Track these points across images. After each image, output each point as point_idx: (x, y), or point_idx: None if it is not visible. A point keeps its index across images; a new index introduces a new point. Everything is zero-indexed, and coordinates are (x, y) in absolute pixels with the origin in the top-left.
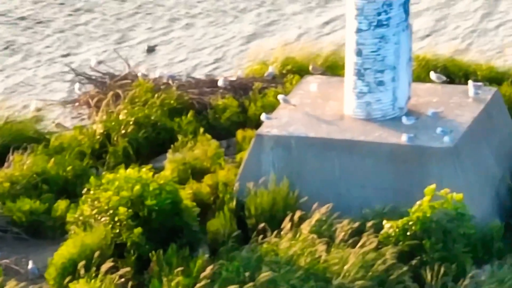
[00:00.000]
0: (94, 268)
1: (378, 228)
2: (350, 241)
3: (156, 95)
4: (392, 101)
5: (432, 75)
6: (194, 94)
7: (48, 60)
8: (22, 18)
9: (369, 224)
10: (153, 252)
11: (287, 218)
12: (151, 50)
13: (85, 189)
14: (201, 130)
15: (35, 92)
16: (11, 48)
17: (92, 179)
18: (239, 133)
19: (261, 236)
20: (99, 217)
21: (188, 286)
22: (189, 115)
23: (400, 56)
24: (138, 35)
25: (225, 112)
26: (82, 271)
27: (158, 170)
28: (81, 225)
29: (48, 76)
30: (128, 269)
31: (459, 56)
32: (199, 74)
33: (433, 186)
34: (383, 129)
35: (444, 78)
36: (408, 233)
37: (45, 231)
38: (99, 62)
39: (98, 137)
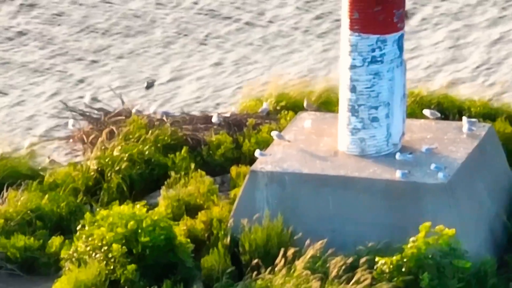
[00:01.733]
0: None
1: (372, 264)
2: (344, 277)
3: (150, 132)
4: (386, 137)
5: (426, 111)
6: (188, 130)
7: (43, 96)
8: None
9: (363, 260)
10: None
11: (281, 254)
12: (150, 86)
13: (80, 226)
14: (193, 166)
15: (29, 128)
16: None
17: (86, 215)
18: (233, 169)
19: (255, 273)
20: (93, 254)
21: None
22: (183, 151)
23: (394, 92)
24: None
25: (219, 148)
26: None
27: (152, 206)
28: (75, 262)
29: (42, 112)
30: None
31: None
32: (194, 110)
33: (428, 223)
34: (377, 166)
35: (438, 114)
36: (403, 269)
37: (39, 267)
38: (93, 98)
39: (92, 173)
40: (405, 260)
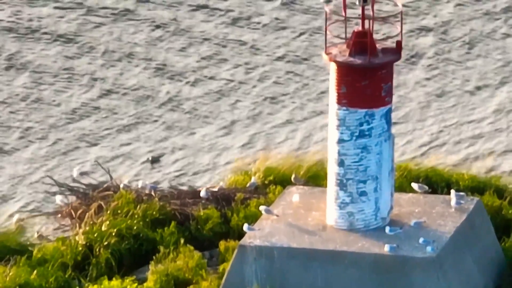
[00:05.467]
0: None
1: None
2: None
3: (138, 206)
4: (374, 211)
5: (414, 185)
6: (176, 205)
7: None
8: None
9: None
10: None
11: None
12: (155, 161)
13: None
14: (181, 241)
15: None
16: None
17: None
18: (222, 244)
19: None
20: None
21: None
22: (171, 226)
23: (383, 166)
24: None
25: (208, 223)
26: None
27: (140, 281)
28: None
29: (30, 187)
30: None
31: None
32: (182, 185)
33: None
34: (365, 239)
35: (426, 188)
36: None
37: None
38: (82, 173)
39: (80, 248)
40: None
